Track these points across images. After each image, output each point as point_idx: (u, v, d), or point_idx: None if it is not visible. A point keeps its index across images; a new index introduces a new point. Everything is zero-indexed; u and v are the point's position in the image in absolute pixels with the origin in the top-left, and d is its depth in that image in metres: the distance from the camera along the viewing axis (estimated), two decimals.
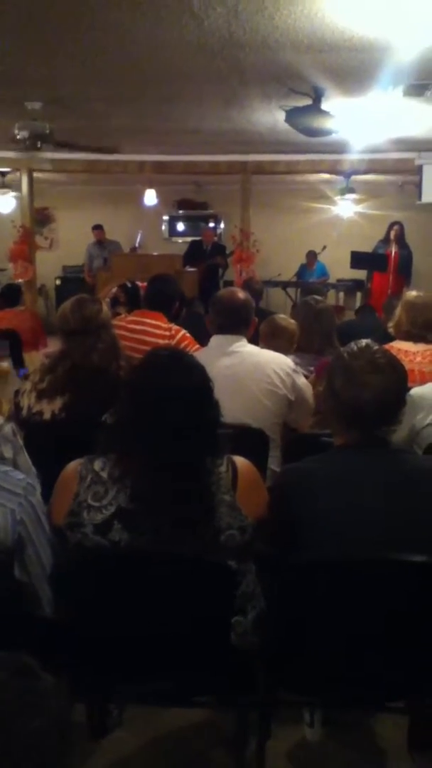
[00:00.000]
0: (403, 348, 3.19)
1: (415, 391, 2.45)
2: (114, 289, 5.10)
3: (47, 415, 2.54)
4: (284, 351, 3.04)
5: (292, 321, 3.47)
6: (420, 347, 3.18)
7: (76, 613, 1.66)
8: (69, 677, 1.76)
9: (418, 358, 3.15)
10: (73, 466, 1.71)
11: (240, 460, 1.75)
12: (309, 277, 9.51)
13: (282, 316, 3.68)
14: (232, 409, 2.07)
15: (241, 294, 2.88)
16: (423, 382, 2.88)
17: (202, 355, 2.59)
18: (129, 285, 5.12)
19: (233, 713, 1.90)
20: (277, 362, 2.72)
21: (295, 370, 2.76)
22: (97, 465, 1.68)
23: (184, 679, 1.76)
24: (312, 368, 3.20)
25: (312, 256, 9.71)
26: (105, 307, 2.79)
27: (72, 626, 1.68)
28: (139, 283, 5.33)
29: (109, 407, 1.80)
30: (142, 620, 1.63)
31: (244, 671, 1.76)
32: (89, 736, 2.06)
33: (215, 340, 2.79)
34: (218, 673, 1.74)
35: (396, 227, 8.59)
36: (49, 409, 2.56)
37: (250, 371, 2.66)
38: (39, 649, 1.71)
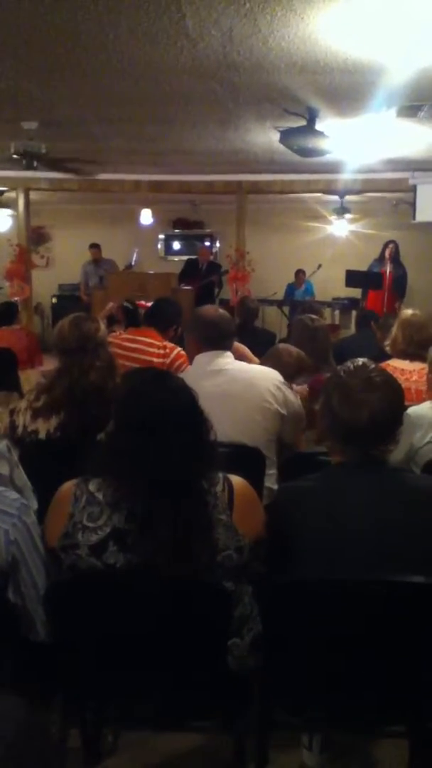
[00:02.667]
0: (399, 366, 3.20)
1: (413, 410, 2.45)
2: (110, 305, 5.10)
3: (42, 434, 2.53)
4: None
5: (294, 353, 3.28)
6: (416, 366, 3.18)
7: (70, 636, 1.64)
8: (63, 701, 1.75)
9: (414, 377, 3.15)
10: (68, 486, 1.70)
11: (236, 479, 1.73)
12: (298, 295, 9.56)
13: (290, 349, 3.36)
14: (225, 428, 2.05)
15: (220, 310, 2.90)
16: (419, 400, 2.88)
17: (189, 374, 2.58)
18: (130, 307, 5.13)
19: (230, 738, 1.87)
20: (267, 378, 2.71)
21: (284, 383, 2.75)
22: (92, 486, 1.66)
23: (180, 703, 1.73)
24: (307, 386, 3.19)
25: (301, 274, 9.77)
26: (102, 326, 2.80)
27: (66, 649, 1.65)
28: (138, 303, 5.34)
29: (104, 426, 1.79)
30: (137, 643, 1.60)
31: (241, 694, 1.73)
32: (83, 763, 2.02)
33: (200, 358, 2.77)
34: (215, 696, 1.71)
35: (391, 246, 8.65)
36: (44, 427, 2.54)
37: (241, 389, 2.64)
38: (32, 672, 1.69)
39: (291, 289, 9.88)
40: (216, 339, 2.75)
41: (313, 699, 1.72)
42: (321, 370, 3.29)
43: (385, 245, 8.72)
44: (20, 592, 1.61)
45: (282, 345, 3.49)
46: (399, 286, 8.66)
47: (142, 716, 1.80)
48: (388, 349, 3.40)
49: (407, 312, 3.46)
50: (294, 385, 3.07)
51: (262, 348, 3.55)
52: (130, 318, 5.00)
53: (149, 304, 4.42)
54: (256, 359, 3.11)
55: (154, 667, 1.63)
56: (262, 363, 3.14)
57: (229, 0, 2.92)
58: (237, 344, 3.06)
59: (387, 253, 8.61)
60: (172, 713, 1.76)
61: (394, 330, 3.38)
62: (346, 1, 2.91)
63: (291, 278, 9.95)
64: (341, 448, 1.74)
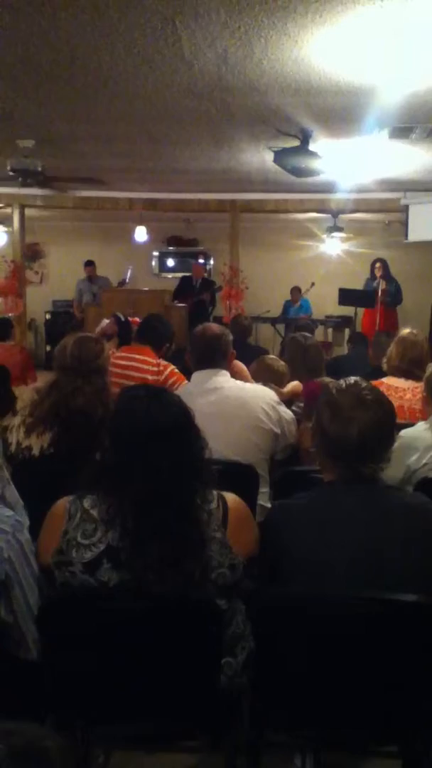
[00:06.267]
0: (393, 384, 3.22)
1: (407, 432, 2.45)
2: (104, 322, 5.10)
3: (36, 451, 2.52)
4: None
5: (282, 362, 3.45)
6: (410, 384, 3.20)
7: (61, 654, 1.63)
8: (54, 719, 1.73)
9: (408, 395, 3.17)
10: (62, 503, 1.69)
11: (230, 497, 1.73)
12: (294, 313, 9.61)
13: (272, 356, 3.67)
14: (219, 447, 2.06)
15: (216, 328, 2.89)
16: (412, 418, 2.90)
17: (185, 392, 2.59)
18: (122, 319, 5.14)
19: (222, 757, 1.85)
20: (261, 397, 2.72)
21: (279, 403, 2.76)
22: (87, 502, 1.66)
23: (172, 722, 1.72)
24: (302, 404, 3.21)
25: (296, 291, 9.82)
26: (106, 352, 2.77)
27: (57, 667, 1.64)
28: (131, 319, 5.35)
29: (92, 447, 1.78)
30: (130, 661, 1.59)
31: (233, 713, 1.72)
32: None
33: (195, 376, 2.79)
34: (206, 714, 1.70)
35: (378, 264, 8.71)
36: (37, 444, 2.53)
37: (235, 408, 2.65)
38: (24, 691, 1.68)
39: (288, 306, 9.92)
40: (207, 358, 2.76)
41: (304, 718, 1.71)
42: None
43: (373, 265, 8.78)
44: (12, 610, 1.60)
45: (266, 356, 3.66)
46: (395, 301, 8.72)
47: (133, 735, 1.78)
48: (384, 366, 3.44)
49: (405, 330, 3.50)
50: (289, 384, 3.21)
51: None
52: (123, 331, 4.99)
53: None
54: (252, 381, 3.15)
55: (146, 684, 1.62)
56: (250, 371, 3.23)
57: (224, 23, 2.97)
58: (237, 363, 3.09)
59: (377, 273, 8.68)
60: (164, 731, 1.75)
61: (391, 347, 3.42)
62: (339, 26, 2.97)
63: (284, 296, 10.00)
64: (332, 466, 1.75)
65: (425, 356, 3.31)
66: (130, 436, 1.65)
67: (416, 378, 3.15)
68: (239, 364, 3.14)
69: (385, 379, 3.28)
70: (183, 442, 1.67)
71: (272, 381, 3.21)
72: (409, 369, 3.25)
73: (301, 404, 3.20)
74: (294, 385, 3.35)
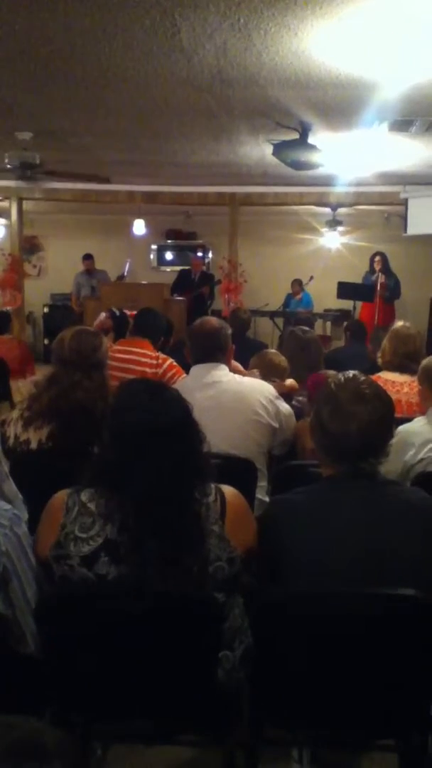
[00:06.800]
0: (390, 378, 3.22)
1: (404, 427, 2.45)
2: (102, 316, 5.09)
3: (34, 444, 2.52)
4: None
5: (283, 357, 3.45)
6: (406, 378, 3.20)
7: (60, 648, 1.63)
8: (51, 714, 1.73)
9: (405, 389, 3.17)
10: (60, 496, 1.69)
11: (228, 490, 1.73)
12: (295, 306, 9.59)
13: (273, 351, 3.67)
14: (216, 440, 2.06)
15: (215, 322, 2.88)
16: (410, 412, 2.90)
17: (183, 386, 2.59)
18: (117, 313, 5.13)
19: (220, 752, 1.86)
20: (259, 391, 2.71)
21: (277, 397, 2.76)
22: (85, 496, 1.66)
23: (170, 716, 1.72)
24: (300, 397, 3.21)
25: (297, 284, 9.80)
26: (105, 346, 2.76)
27: (55, 661, 1.64)
28: (128, 312, 5.35)
29: (95, 438, 1.78)
30: (128, 657, 1.59)
31: (231, 708, 1.72)
32: None
33: (194, 370, 2.79)
34: (205, 709, 1.70)
35: (378, 258, 8.70)
36: (36, 437, 2.53)
37: (233, 402, 2.65)
38: (22, 685, 1.68)
39: (289, 299, 9.90)
40: (206, 352, 2.75)
41: (303, 716, 1.72)
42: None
43: (372, 258, 8.77)
44: (11, 604, 1.61)
45: (268, 350, 3.68)
46: (393, 296, 8.70)
47: (131, 729, 1.79)
48: (379, 361, 3.43)
49: (398, 324, 3.49)
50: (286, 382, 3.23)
51: None
52: (118, 326, 4.99)
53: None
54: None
55: (144, 679, 1.63)
56: (250, 365, 3.22)
57: (223, 15, 2.95)
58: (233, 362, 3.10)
59: (376, 266, 8.67)
60: (162, 726, 1.75)
61: (384, 341, 3.41)
62: (339, 18, 2.95)
63: (283, 289, 9.98)
64: (331, 461, 1.74)
65: (419, 349, 3.30)
66: (131, 435, 1.64)
67: (412, 372, 3.14)
68: (236, 364, 3.14)
69: (381, 374, 3.28)
70: (185, 440, 1.67)
71: (274, 376, 3.21)
72: (403, 363, 3.25)
73: (300, 398, 3.20)
74: (291, 382, 3.34)
